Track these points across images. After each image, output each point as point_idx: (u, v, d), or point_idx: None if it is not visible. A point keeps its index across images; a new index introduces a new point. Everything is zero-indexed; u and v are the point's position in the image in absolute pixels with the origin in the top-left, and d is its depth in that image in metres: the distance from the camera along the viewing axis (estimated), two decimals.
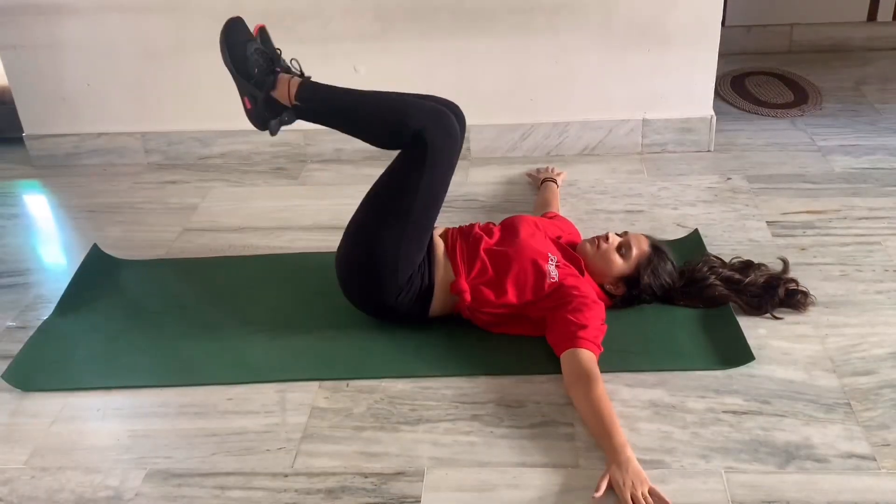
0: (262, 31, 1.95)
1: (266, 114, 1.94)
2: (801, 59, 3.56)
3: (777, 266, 2.05)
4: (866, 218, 2.34)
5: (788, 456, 1.56)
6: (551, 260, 1.90)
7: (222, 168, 2.95)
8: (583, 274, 1.94)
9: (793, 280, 2.00)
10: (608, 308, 1.90)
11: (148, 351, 1.97)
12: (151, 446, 1.69)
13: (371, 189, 1.90)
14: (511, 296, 1.87)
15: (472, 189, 2.66)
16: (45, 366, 1.95)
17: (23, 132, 3.03)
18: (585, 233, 2.19)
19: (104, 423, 1.78)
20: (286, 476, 1.60)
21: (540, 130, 2.85)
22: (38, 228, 2.71)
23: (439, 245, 1.95)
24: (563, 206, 2.48)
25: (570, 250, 2.01)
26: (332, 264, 1.96)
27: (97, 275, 2.28)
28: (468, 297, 1.88)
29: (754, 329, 1.90)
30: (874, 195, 2.46)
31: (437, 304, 1.92)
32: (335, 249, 1.96)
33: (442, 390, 1.79)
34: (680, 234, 2.33)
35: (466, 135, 1.99)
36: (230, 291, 2.19)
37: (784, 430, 1.62)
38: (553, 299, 1.85)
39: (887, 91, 3.23)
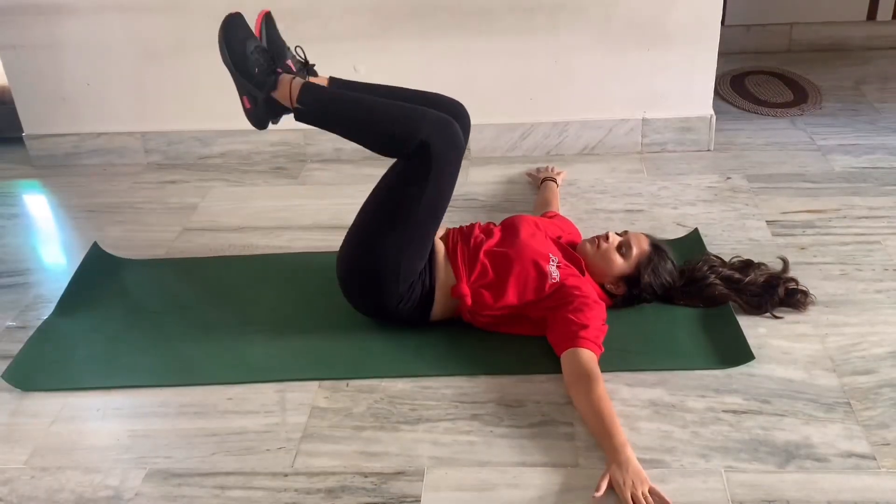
0: (267, 17, 1.91)
1: (266, 114, 1.92)
2: (800, 59, 3.56)
3: (777, 265, 2.05)
4: (866, 217, 2.34)
5: (788, 455, 1.56)
6: (552, 260, 1.90)
7: (222, 168, 2.95)
8: (583, 274, 1.94)
9: (793, 279, 2.00)
10: (609, 308, 1.90)
11: (148, 351, 1.97)
12: (151, 446, 1.70)
13: (372, 196, 1.89)
14: (512, 297, 1.87)
15: (471, 189, 2.66)
16: (45, 366, 1.95)
17: (23, 132, 3.03)
18: (585, 232, 2.19)
19: (104, 423, 1.78)
20: (286, 476, 1.60)
21: (540, 130, 2.85)
22: (38, 228, 2.71)
23: (440, 248, 1.95)
24: (563, 205, 2.48)
25: (571, 250, 2.01)
26: (333, 264, 1.96)
27: (97, 275, 2.28)
28: (469, 300, 1.88)
29: (754, 328, 1.90)
30: (874, 194, 2.46)
31: (438, 308, 1.92)
32: (335, 249, 1.96)
33: (442, 390, 1.79)
34: (680, 233, 2.33)
35: None
36: (230, 291, 2.19)
37: (784, 429, 1.62)
38: (554, 299, 1.85)
39: (887, 90, 3.23)
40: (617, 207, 2.50)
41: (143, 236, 2.52)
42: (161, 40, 2.80)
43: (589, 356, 1.71)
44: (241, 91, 1.91)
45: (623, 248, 1.96)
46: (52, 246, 2.60)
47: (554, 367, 1.77)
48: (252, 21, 1.92)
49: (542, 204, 2.41)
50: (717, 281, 1.98)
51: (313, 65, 1.95)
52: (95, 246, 2.38)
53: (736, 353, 1.82)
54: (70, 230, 2.66)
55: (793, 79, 3.35)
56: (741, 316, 1.93)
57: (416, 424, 1.70)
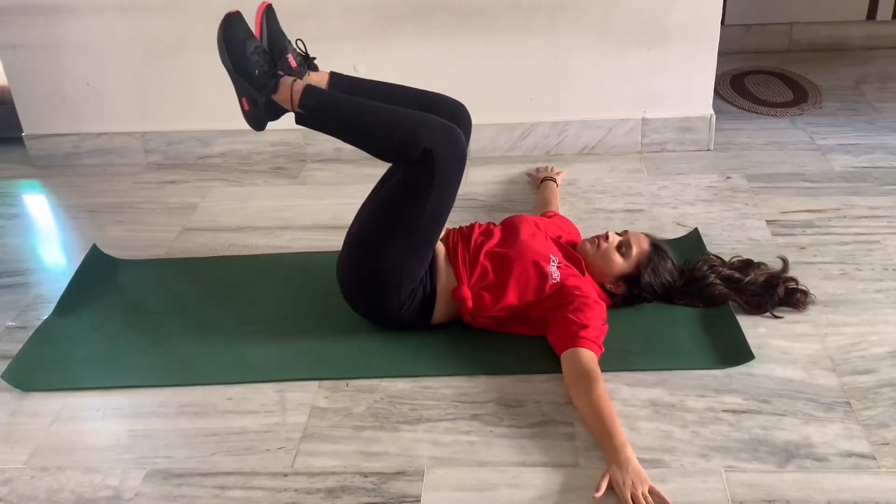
0: (268, 9, 1.88)
1: (265, 116, 1.89)
2: (800, 58, 3.56)
3: (777, 265, 2.05)
4: (866, 217, 2.34)
5: (788, 455, 1.56)
6: (553, 261, 1.90)
7: (222, 168, 2.95)
8: (584, 274, 1.94)
9: (792, 279, 2.00)
10: (609, 307, 1.90)
11: (148, 351, 1.97)
12: (151, 446, 1.70)
13: (374, 205, 1.88)
14: (512, 297, 1.87)
15: (471, 189, 2.66)
16: (44, 366, 1.95)
17: (22, 132, 3.03)
18: (585, 232, 2.19)
19: (104, 423, 1.78)
20: (286, 476, 1.60)
21: (539, 129, 2.85)
22: (38, 228, 2.71)
23: (440, 251, 1.94)
24: (563, 205, 2.48)
25: (571, 250, 2.01)
26: (333, 264, 1.96)
27: (97, 275, 2.28)
28: (470, 303, 1.88)
29: (754, 328, 1.90)
30: (873, 194, 2.46)
31: (440, 311, 1.92)
32: (335, 249, 1.96)
33: (442, 390, 1.79)
34: (680, 233, 2.33)
35: None
36: (230, 291, 2.19)
37: (784, 429, 1.62)
38: (555, 300, 1.85)
39: (887, 90, 3.23)
40: (617, 207, 2.50)
41: (143, 236, 2.52)
42: (161, 40, 2.80)
43: (589, 356, 1.71)
44: (241, 93, 1.88)
45: (623, 247, 1.96)
46: (51, 246, 2.60)
47: (554, 367, 1.77)
48: (252, 16, 1.88)
49: (542, 204, 2.41)
50: (717, 281, 1.98)
51: (314, 58, 1.94)
52: (95, 248, 2.38)
53: (736, 352, 1.82)
54: (70, 230, 2.66)
55: (793, 78, 3.35)
56: (741, 316, 1.93)
57: (416, 424, 1.70)
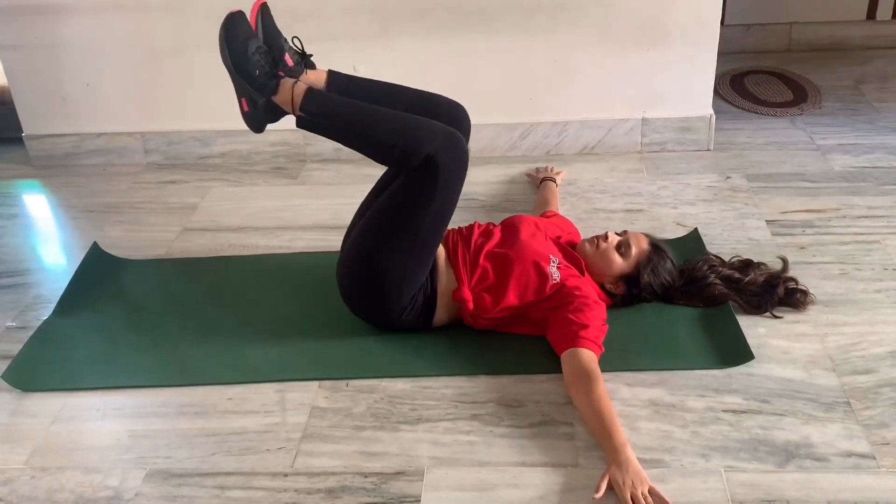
0: (262, 7, 1.86)
1: (265, 118, 1.88)
2: (800, 58, 3.56)
3: (776, 265, 2.05)
4: (865, 217, 2.34)
5: (788, 455, 1.56)
6: (553, 261, 1.90)
7: (222, 168, 2.95)
8: (583, 274, 1.94)
9: (792, 279, 2.00)
10: (608, 307, 1.90)
11: (148, 351, 1.97)
12: (151, 446, 1.70)
13: (375, 211, 1.86)
14: (513, 298, 1.87)
15: (471, 189, 2.66)
16: (44, 366, 1.95)
17: (22, 132, 3.03)
18: (585, 232, 2.19)
19: (104, 423, 1.78)
20: (286, 476, 1.60)
21: (539, 129, 2.85)
22: (38, 228, 2.71)
23: (441, 253, 1.94)
24: (563, 205, 2.48)
25: (571, 250, 2.01)
26: (333, 263, 1.96)
27: (97, 274, 2.28)
28: (471, 305, 1.88)
29: (754, 328, 1.90)
30: (873, 194, 2.46)
31: (441, 313, 1.92)
32: (335, 249, 1.96)
33: (442, 390, 1.79)
34: (679, 233, 2.33)
35: None
36: (230, 291, 2.19)
37: (784, 428, 1.62)
38: (555, 300, 1.85)
39: (886, 90, 3.23)
40: (617, 207, 2.50)
41: (143, 236, 2.52)
42: (161, 40, 2.80)
43: (589, 356, 1.72)
44: (240, 93, 1.87)
45: (622, 247, 1.96)
46: (51, 246, 2.60)
47: (554, 367, 1.77)
48: (248, 15, 1.86)
49: (542, 204, 2.41)
50: (717, 280, 1.98)
51: (310, 55, 1.93)
52: (95, 246, 2.38)
53: (736, 352, 1.82)
54: (70, 230, 2.66)
55: (792, 78, 3.35)
56: (741, 316, 1.93)
57: (416, 424, 1.70)
